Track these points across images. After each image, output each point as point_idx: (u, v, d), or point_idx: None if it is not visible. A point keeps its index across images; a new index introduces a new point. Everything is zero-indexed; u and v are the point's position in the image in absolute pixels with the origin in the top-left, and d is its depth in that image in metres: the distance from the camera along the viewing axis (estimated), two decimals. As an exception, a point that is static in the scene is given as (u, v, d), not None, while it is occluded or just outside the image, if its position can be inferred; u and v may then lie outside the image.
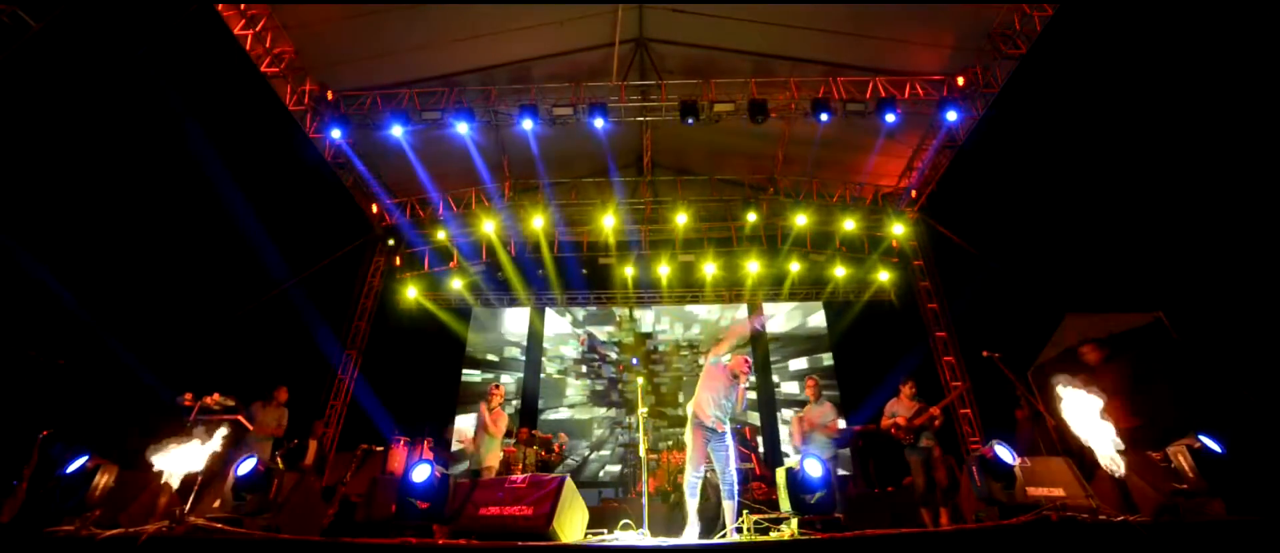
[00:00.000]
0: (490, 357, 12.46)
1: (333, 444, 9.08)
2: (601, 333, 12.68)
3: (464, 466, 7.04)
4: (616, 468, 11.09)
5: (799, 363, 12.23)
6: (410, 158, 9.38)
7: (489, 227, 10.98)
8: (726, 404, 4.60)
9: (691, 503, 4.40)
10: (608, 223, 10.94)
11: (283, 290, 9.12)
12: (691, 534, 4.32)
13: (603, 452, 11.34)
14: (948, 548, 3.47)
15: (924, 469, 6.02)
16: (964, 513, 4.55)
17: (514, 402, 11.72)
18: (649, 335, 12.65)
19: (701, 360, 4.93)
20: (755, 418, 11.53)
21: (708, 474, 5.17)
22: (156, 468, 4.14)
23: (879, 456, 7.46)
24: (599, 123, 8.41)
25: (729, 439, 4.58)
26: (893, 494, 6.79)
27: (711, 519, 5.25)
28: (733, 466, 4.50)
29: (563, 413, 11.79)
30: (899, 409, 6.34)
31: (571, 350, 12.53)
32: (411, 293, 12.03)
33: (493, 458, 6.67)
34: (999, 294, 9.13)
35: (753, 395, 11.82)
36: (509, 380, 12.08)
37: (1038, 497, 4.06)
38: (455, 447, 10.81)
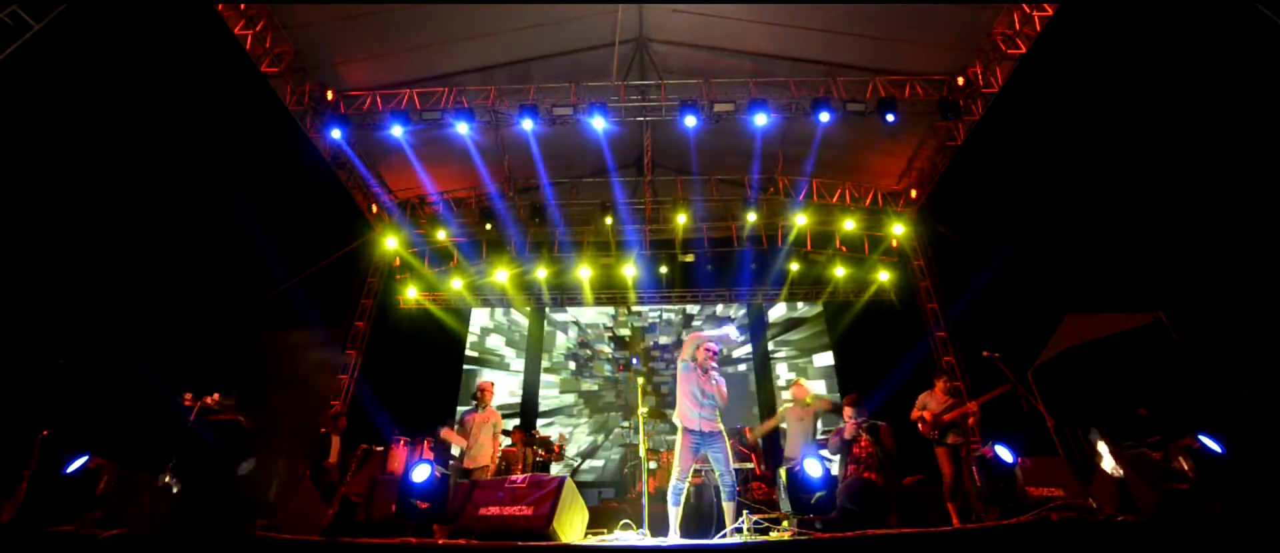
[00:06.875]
0: (490, 356, 12.45)
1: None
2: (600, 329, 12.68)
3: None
4: (616, 469, 11.08)
5: (798, 361, 12.22)
6: (410, 158, 9.39)
7: (489, 227, 10.99)
8: (707, 402, 4.54)
9: (673, 512, 4.33)
10: (608, 223, 10.94)
11: (282, 291, 9.11)
12: (673, 537, 4.27)
13: (602, 452, 11.33)
14: (948, 548, 3.47)
15: (952, 462, 5.82)
16: (977, 511, 4.55)
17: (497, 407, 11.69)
18: (648, 332, 12.65)
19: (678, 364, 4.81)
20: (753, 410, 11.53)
21: (708, 475, 5.16)
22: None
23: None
24: (599, 123, 8.41)
25: (723, 439, 4.54)
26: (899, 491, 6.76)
27: (711, 519, 5.25)
28: (730, 466, 4.48)
29: (562, 412, 11.78)
30: (931, 403, 6.11)
31: (573, 349, 12.52)
32: (411, 293, 12.03)
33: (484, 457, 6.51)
34: (999, 294, 9.11)
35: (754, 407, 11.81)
36: (509, 381, 12.07)
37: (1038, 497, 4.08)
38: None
